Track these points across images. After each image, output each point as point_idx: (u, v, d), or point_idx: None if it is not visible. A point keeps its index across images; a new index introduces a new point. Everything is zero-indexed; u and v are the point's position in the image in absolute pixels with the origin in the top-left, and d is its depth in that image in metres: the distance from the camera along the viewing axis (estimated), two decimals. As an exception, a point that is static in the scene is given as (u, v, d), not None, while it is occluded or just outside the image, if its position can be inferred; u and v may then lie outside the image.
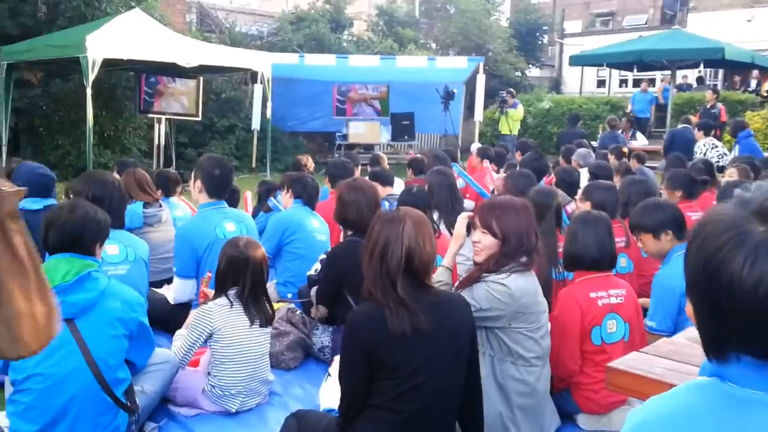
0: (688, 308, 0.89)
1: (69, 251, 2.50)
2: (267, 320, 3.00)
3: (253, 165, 11.38)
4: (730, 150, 9.01)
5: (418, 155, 7.28)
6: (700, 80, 18.34)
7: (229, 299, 2.93)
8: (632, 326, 2.93)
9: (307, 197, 4.33)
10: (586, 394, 2.93)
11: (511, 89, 14.93)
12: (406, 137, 13.50)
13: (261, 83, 10.36)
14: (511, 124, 12.62)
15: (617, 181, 5.62)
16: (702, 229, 0.85)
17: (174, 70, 9.81)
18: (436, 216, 4.20)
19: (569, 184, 4.90)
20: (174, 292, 3.82)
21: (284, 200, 4.53)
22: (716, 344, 0.84)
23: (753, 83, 16.79)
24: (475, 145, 9.69)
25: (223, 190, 3.83)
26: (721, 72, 19.12)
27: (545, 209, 3.49)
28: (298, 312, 3.66)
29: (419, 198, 4.00)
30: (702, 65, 14.03)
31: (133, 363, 2.70)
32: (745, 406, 0.80)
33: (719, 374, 0.83)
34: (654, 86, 17.34)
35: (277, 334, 3.46)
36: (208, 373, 2.99)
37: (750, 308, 0.78)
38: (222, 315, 2.90)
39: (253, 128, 10.92)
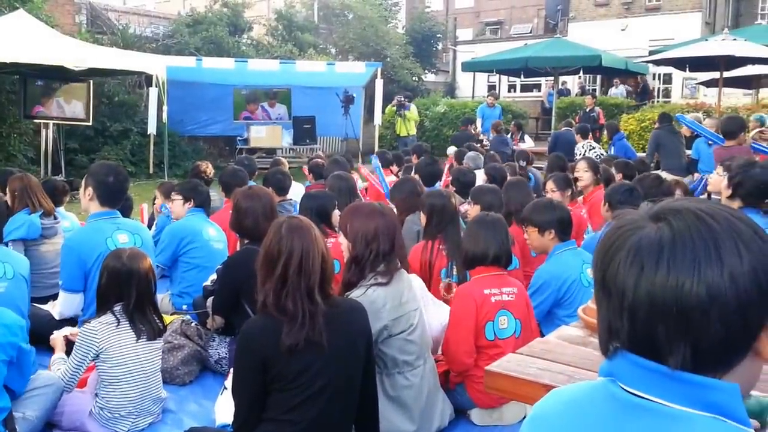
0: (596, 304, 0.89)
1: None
2: (155, 333, 2.83)
3: (151, 170, 10.88)
4: (606, 151, 9.59)
5: (318, 159, 7.21)
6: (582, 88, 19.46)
7: (115, 316, 2.74)
8: (523, 323, 3.02)
9: (200, 205, 4.16)
10: (479, 387, 2.99)
11: (409, 93, 15.17)
12: (308, 141, 13.39)
13: (156, 86, 9.91)
14: (407, 125, 12.81)
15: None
16: (609, 228, 0.85)
17: (62, 73, 9.19)
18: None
19: (464, 185, 5.01)
20: (59, 307, 3.54)
21: (175, 209, 4.31)
22: (605, 340, 0.84)
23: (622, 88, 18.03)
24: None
25: (116, 199, 3.59)
26: (599, 78, 20.36)
27: (445, 212, 3.55)
28: (193, 324, 3.50)
29: (317, 200, 3.94)
30: (581, 71, 14.83)
31: (12, 389, 2.48)
32: (628, 410, 0.79)
33: (610, 373, 0.82)
34: (540, 90, 18.19)
35: (171, 348, 3.29)
36: (96, 394, 2.79)
37: (628, 306, 0.78)
38: (107, 333, 2.71)
39: (148, 132, 10.43)
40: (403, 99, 13.13)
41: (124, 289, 2.73)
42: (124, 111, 12.11)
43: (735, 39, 9.55)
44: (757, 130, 6.79)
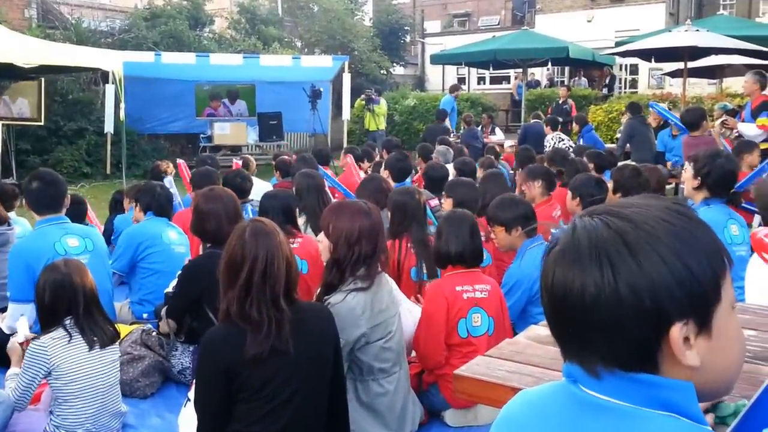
0: None
1: None
2: (109, 339, 2.73)
3: (108, 171, 10.63)
4: (575, 143, 9.70)
5: (285, 156, 7.12)
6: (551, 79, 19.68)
7: (66, 330, 2.64)
8: (496, 320, 3.01)
9: (158, 208, 4.03)
10: (452, 386, 2.98)
11: (377, 86, 15.14)
12: (274, 137, 13.25)
13: (113, 83, 9.66)
14: (377, 119, 12.76)
15: (481, 175, 5.83)
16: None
17: (11, 71, 8.89)
18: (302, 220, 4.10)
19: (434, 180, 4.98)
20: (9, 319, 3.40)
21: (135, 214, 4.19)
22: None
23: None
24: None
25: (50, 205, 3.44)
26: (566, 69, 20.61)
27: (408, 210, 3.51)
28: (154, 333, 3.40)
29: (280, 200, 3.87)
30: (549, 63, 14.98)
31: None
32: (587, 410, 0.80)
33: (571, 375, 0.84)
34: (509, 83, 18.33)
35: (131, 359, 3.19)
36: (50, 412, 2.68)
37: (546, 303, 0.83)
38: (59, 349, 2.60)
39: (105, 131, 10.17)
40: (372, 93, 13.06)
41: (71, 301, 2.63)
42: (78, 109, 11.79)
43: (698, 30, 9.73)
44: (722, 119, 6.93)
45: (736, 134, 6.37)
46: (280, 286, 2.03)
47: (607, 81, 18.46)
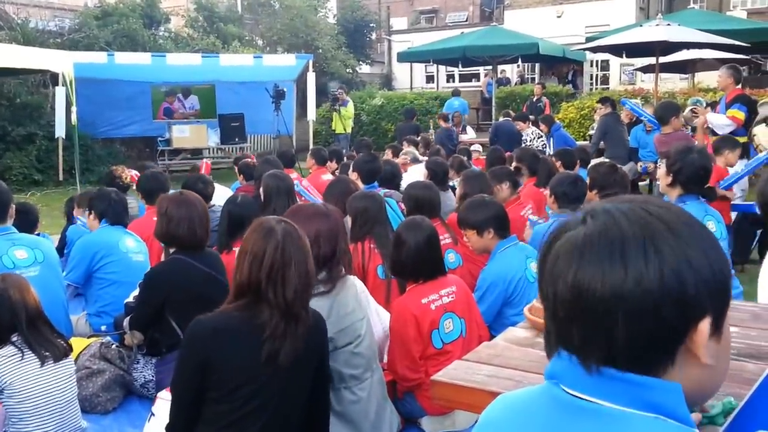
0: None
1: None
2: (61, 352, 2.69)
3: (60, 177, 10.42)
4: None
5: (248, 158, 7.07)
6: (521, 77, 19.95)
7: (15, 346, 2.58)
8: (467, 320, 3.04)
9: (114, 215, 3.96)
10: (429, 393, 2.99)
11: (343, 85, 15.14)
12: (236, 139, 13.14)
13: (63, 85, 9.48)
14: (344, 122, 12.75)
15: (453, 176, 5.88)
16: (552, 228, 0.87)
17: (-48, 74, 8.68)
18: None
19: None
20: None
21: (88, 223, 4.11)
22: (546, 340, 0.86)
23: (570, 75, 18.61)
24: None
25: None
26: (537, 66, 20.91)
27: (369, 214, 3.53)
28: (113, 346, 3.35)
29: (245, 208, 3.86)
30: (520, 60, 15.18)
31: None
32: (569, 413, 0.81)
33: (553, 375, 0.84)
34: (479, 80, 18.53)
35: (90, 373, 3.14)
36: (4, 432, 2.63)
37: (551, 306, 0.82)
38: (10, 367, 2.55)
39: (57, 136, 9.98)
40: (339, 92, 13.03)
41: (14, 317, 2.58)
42: (27, 113, 11.54)
43: (669, 24, 9.96)
44: (689, 108, 7.10)
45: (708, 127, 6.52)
46: (303, 290, 2.06)
47: (569, 77, 18.77)
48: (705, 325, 0.77)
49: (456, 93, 15.46)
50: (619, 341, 0.77)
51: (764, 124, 6.07)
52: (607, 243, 0.78)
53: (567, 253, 0.80)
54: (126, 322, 3.26)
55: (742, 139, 6.15)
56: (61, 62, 9.53)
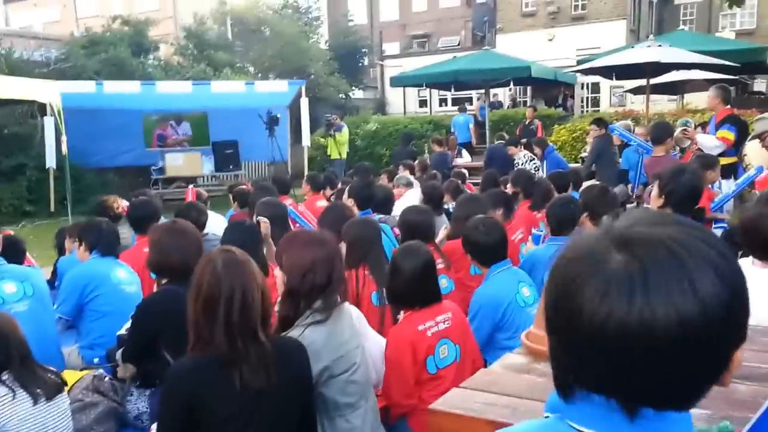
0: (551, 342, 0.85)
1: None
2: (55, 389, 2.67)
3: (52, 208, 10.42)
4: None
5: (243, 185, 7.09)
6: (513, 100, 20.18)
7: (6, 386, 2.56)
8: (462, 346, 3.05)
9: (105, 246, 3.96)
10: (421, 418, 2.99)
11: (337, 112, 15.29)
12: (231, 167, 13.19)
13: (51, 115, 9.52)
14: (339, 147, 12.84)
15: (448, 200, 5.93)
16: (562, 257, 0.82)
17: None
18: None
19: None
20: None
21: (78, 254, 4.10)
22: (565, 379, 0.82)
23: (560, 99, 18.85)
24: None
25: None
26: (529, 89, 21.16)
27: (360, 241, 3.56)
28: (107, 378, 3.34)
29: (247, 234, 3.86)
30: (512, 83, 15.38)
31: None
32: None
33: (562, 411, 0.83)
34: (472, 104, 18.73)
35: (83, 406, 3.12)
36: (-3, 471, 2.61)
37: (599, 345, 0.76)
38: (4, 408, 2.53)
39: (47, 167, 9.99)
40: (334, 118, 13.12)
41: (6, 356, 2.57)
42: (16, 144, 11.59)
43: (660, 45, 10.13)
44: (680, 129, 7.19)
45: (697, 147, 6.60)
46: (257, 318, 2.06)
47: (559, 101, 19.01)
48: (739, 350, 0.76)
49: (462, 110, 16.05)
50: (675, 377, 0.74)
51: (757, 140, 6.15)
52: (671, 273, 0.73)
53: (620, 287, 0.74)
54: (119, 354, 3.25)
55: (732, 160, 6.23)
56: (48, 92, 9.56)
